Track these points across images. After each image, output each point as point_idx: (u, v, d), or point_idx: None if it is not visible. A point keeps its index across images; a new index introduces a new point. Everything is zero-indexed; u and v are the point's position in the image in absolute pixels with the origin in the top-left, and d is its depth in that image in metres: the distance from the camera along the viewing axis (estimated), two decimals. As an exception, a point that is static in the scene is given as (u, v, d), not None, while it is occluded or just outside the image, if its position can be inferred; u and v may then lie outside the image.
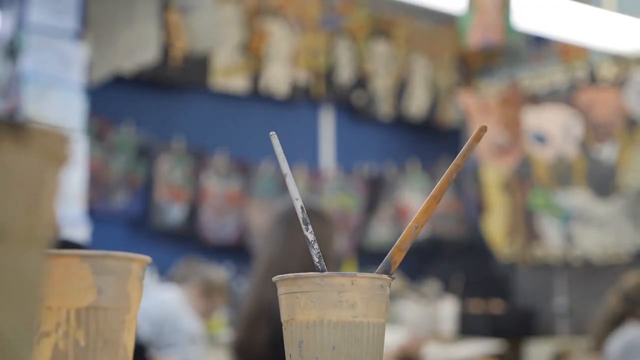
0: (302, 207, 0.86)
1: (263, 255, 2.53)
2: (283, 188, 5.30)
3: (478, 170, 5.86)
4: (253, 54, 5.40)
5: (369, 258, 5.54)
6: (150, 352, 3.01)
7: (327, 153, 5.80)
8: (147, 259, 0.76)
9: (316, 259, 0.84)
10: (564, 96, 5.35)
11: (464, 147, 0.84)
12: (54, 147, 0.46)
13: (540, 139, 5.43)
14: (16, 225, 0.43)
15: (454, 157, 0.86)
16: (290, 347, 0.80)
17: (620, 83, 5.15)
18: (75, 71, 4.38)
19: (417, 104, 6.09)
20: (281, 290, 0.82)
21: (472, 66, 6.43)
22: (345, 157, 5.86)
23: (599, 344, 3.68)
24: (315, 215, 2.54)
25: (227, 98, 5.38)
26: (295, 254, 2.40)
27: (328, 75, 5.74)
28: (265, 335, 2.38)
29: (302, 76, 5.62)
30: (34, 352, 0.70)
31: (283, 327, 0.81)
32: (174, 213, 5.02)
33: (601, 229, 5.17)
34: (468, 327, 5.32)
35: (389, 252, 0.86)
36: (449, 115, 6.22)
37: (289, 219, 2.51)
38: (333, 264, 2.51)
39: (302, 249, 2.30)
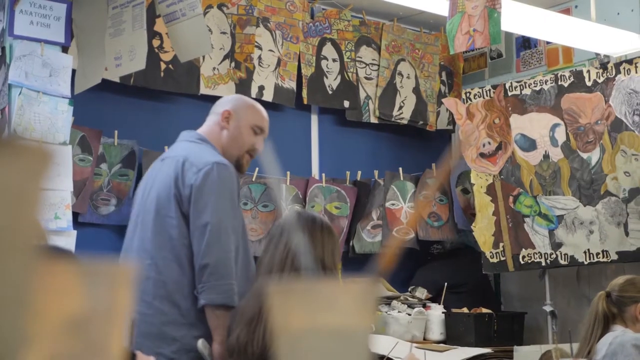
0: (298, 213, 0.86)
1: (264, 258, 2.56)
2: (272, 195, 5.30)
3: (465, 175, 5.87)
4: (241, 61, 5.40)
5: (356, 264, 5.54)
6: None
7: (316, 159, 5.80)
8: (137, 265, 0.76)
9: (306, 264, 0.84)
10: (550, 101, 5.37)
11: (451, 152, 0.85)
12: (36, 161, 0.46)
13: (527, 144, 5.44)
14: (1, 235, 0.43)
15: (442, 163, 0.87)
16: (279, 352, 0.80)
17: (605, 88, 5.17)
18: (62, 80, 4.38)
19: (404, 110, 6.10)
20: (270, 295, 0.82)
21: (459, 72, 6.45)
22: (333, 163, 5.86)
23: (586, 348, 3.69)
24: (320, 225, 2.57)
25: (215, 106, 5.38)
26: (294, 259, 2.42)
27: (316, 82, 5.74)
28: (264, 336, 2.40)
29: (290, 83, 5.62)
30: (23, 360, 0.69)
31: (272, 332, 0.82)
32: (162, 221, 5.01)
33: (587, 234, 5.18)
34: (456, 333, 5.32)
35: (377, 258, 0.87)
36: (436, 121, 6.23)
37: (291, 225, 2.54)
38: (334, 273, 2.53)
39: (301, 254, 2.33)
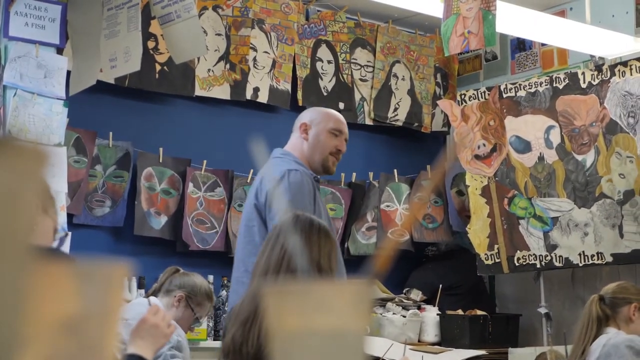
0: (296, 216, 0.86)
1: (261, 260, 2.57)
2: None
3: (460, 177, 5.87)
4: (235, 63, 5.40)
5: (351, 265, 5.53)
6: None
7: (310, 162, 5.79)
8: (130, 266, 0.76)
9: (302, 267, 0.84)
10: (545, 103, 5.37)
11: (446, 154, 0.85)
12: (32, 162, 0.46)
13: (522, 145, 5.45)
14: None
15: (437, 165, 0.87)
16: (274, 353, 0.80)
17: (600, 90, 5.18)
18: (57, 82, 4.37)
19: (399, 112, 6.10)
20: (265, 297, 0.82)
21: (454, 74, 6.45)
22: (327, 165, 5.85)
23: (580, 349, 3.70)
24: (317, 228, 2.57)
25: (210, 107, 5.38)
26: (290, 261, 2.43)
27: (311, 83, 5.74)
28: (259, 337, 2.40)
29: (285, 85, 5.62)
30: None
31: (267, 333, 0.82)
32: (157, 223, 5.01)
33: (582, 236, 5.19)
34: (451, 335, 5.33)
35: (372, 260, 0.87)
36: (431, 123, 6.23)
37: (288, 227, 2.55)
38: (330, 276, 2.55)
39: (297, 256, 2.35)
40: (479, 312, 5.46)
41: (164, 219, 5.04)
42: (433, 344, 5.28)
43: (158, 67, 5.08)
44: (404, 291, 5.72)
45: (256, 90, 5.48)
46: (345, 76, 5.90)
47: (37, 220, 2.00)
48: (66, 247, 4.23)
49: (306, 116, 3.78)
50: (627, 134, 5.09)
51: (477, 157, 5.53)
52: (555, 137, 5.33)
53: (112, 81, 4.72)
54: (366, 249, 5.73)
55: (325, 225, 2.68)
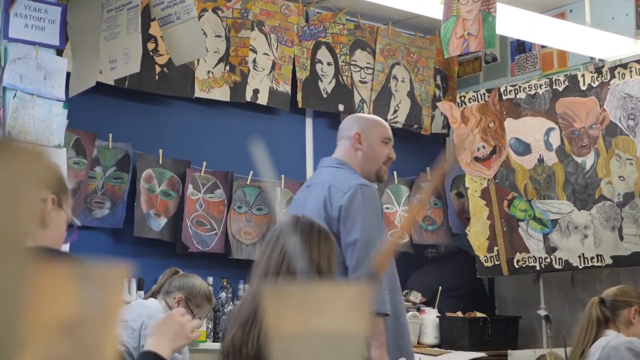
0: (296, 218, 0.86)
1: (261, 262, 2.57)
2: (267, 198, 5.30)
3: (460, 179, 5.87)
4: (235, 65, 5.40)
5: (351, 268, 5.53)
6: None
7: (310, 163, 5.79)
8: (130, 267, 0.76)
9: (302, 269, 0.84)
10: (545, 105, 5.37)
11: (446, 156, 0.85)
12: (31, 164, 0.46)
13: (521, 148, 5.45)
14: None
15: (436, 167, 0.87)
16: (273, 354, 0.80)
17: (600, 92, 5.18)
18: (57, 83, 4.37)
19: (399, 114, 6.10)
20: (265, 298, 0.82)
21: (454, 75, 6.45)
22: (327, 167, 5.84)
23: (579, 351, 3.71)
24: (317, 230, 2.57)
25: (210, 109, 5.38)
26: (290, 263, 2.43)
27: (310, 85, 5.74)
28: (258, 338, 2.40)
29: (285, 87, 5.62)
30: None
31: (266, 335, 0.81)
32: (157, 224, 5.01)
33: (582, 238, 5.19)
34: (450, 337, 5.32)
35: (373, 261, 0.87)
36: (431, 125, 6.23)
37: (288, 229, 2.55)
38: (330, 278, 2.55)
39: (297, 258, 2.35)
40: (479, 314, 5.46)
41: (163, 221, 5.04)
42: (432, 346, 5.28)
43: (158, 69, 5.08)
44: (404, 293, 5.71)
45: (256, 92, 5.48)
46: (345, 78, 5.90)
47: (52, 215, 2.00)
48: (65, 248, 4.23)
49: (355, 125, 3.78)
50: (626, 136, 5.09)
51: (476, 159, 5.53)
52: (555, 139, 5.33)
53: (111, 83, 4.72)
54: (366, 250, 5.72)
55: (325, 227, 2.67)
